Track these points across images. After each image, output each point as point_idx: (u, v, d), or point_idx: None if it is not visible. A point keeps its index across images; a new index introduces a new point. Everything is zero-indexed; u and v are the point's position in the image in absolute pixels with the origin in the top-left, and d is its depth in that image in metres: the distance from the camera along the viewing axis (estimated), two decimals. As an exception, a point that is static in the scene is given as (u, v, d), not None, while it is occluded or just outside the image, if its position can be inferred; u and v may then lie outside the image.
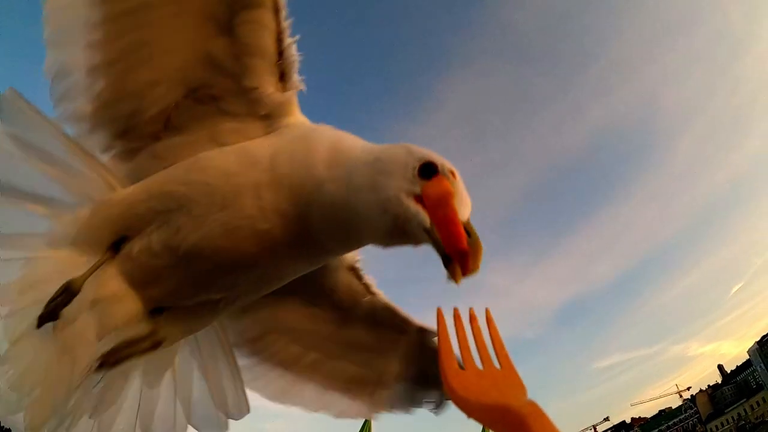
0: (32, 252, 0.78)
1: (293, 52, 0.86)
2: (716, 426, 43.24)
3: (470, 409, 0.65)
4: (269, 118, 0.88)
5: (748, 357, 43.97)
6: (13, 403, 0.71)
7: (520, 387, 0.67)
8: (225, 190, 0.79)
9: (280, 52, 0.85)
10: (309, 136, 0.84)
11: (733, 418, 41.72)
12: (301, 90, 0.90)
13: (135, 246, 0.82)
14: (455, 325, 0.75)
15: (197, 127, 0.89)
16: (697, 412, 46.48)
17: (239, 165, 0.81)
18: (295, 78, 0.88)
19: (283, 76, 0.87)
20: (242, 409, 1.04)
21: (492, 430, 0.62)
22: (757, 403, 39.81)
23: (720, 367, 50.81)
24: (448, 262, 0.66)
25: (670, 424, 49.29)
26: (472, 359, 0.70)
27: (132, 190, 0.86)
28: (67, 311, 0.73)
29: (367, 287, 1.10)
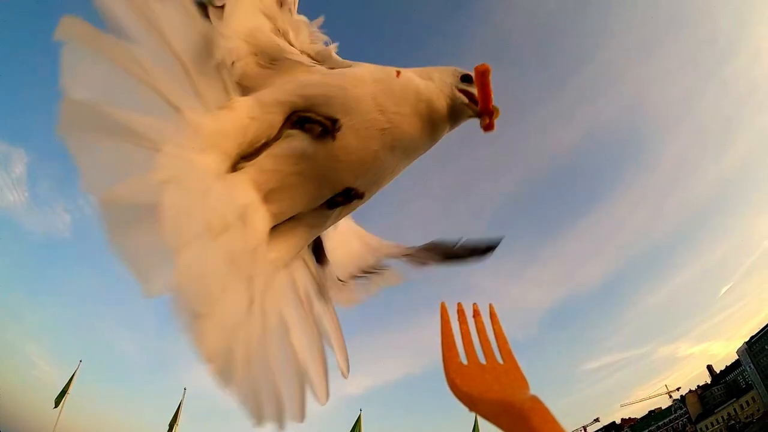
0: (168, 148, 0.72)
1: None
2: (706, 426, 43.65)
3: (473, 404, 0.65)
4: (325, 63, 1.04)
5: (737, 357, 44.48)
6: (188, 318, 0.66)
7: (523, 382, 0.67)
8: (349, 96, 0.90)
9: None
10: (379, 66, 1.02)
11: (723, 417, 42.15)
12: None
13: (273, 150, 0.87)
14: (459, 319, 0.75)
15: (281, 69, 0.98)
16: (686, 412, 46.90)
17: (350, 81, 0.93)
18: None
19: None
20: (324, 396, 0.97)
21: (494, 424, 0.62)
22: (747, 402, 40.28)
23: (709, 368, 51.36)
24: (481, 117, 0.96)
25: (659, 424, 49.70)
26: (475, 354, 0.71)
27: (267, 93, 0.91)
28: (217, 216, 0.72)
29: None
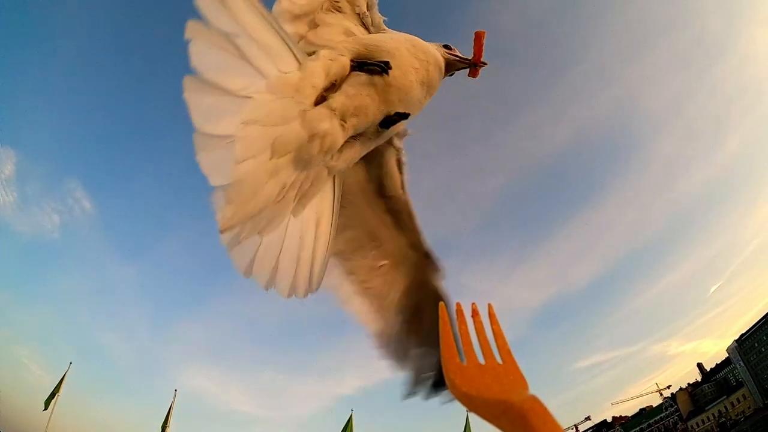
0: (256, 93, 1.03)
1: None
2: (697, 423, 44.04)
3: (472, 404, 0.65)
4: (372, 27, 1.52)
5: (727, 355, 44.95)
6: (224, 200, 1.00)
7: (522, 382, 0.67)
8: (392, 47, 1.32)
9: None
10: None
11: (714, 415, 42.55)
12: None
13: (350, 81, 1.23)
14: (458, 319, 0.75)
15: (333, 24, 1.43)
16: (677, 410, 47.28)
17: (391, 38, 1.38)
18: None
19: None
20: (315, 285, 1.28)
21: (494, 425, 0.62)
22: (738, 400, 40.67)
23: (699, 366, 51.86)
24: (471, 67, 1.48)
25: (651, 422, 50.05)
26: (474, 353, 0.70)
27: (338, 45, 1.29)
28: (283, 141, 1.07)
29: (403, 183, 1.52)
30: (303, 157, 1.11)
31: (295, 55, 1.12)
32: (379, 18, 1.50)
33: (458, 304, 0.77)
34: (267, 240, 1.15)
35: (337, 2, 1.44)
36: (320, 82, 1.15)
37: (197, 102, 0.94)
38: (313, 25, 1.41)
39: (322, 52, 1.20)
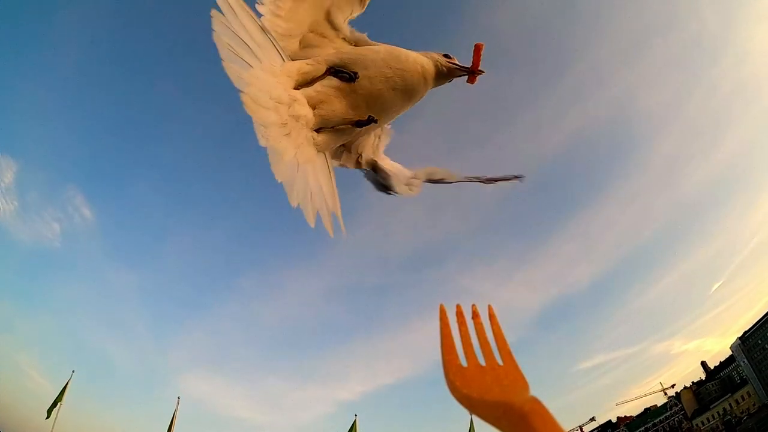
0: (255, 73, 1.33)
1: None
2: (702, 422, 43.86)
3: (472, 406, 0.64)
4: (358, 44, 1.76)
5: (731, 353, 44.80)
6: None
7: (523, 383, 0.66)
8: (368, 59, 1.54)
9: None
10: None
11: (718, 413, 42.38)
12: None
13: (320, 82, 1.50)
14: (458, 321, 0.74)
15: (324, 45, 1.70)
16: (682, 409, 47.09)
17: (370, 50, 1.60)
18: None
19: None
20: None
21: (495, 427, 0.62)
22: (742, 397, 40.54)
23: (703, 364, 51.70)
24: (470, 75, 1.66)
25: (655, 421, 49.85)
26: (475, 355, 0.70)
27: (319, 54, 1.59)
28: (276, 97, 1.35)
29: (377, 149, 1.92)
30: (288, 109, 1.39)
31: (280, 55, 1.45)
32: (360, 35, 1.73)
33: (458, 306, 0.76)
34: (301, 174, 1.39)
35: (321, 30, 1.70)
36: (295, 75, 1.45)
37: (223, 40, 1.28)
38: (305, 44, 1.68)
39: (303, 57, 1.56)
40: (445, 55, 1.65)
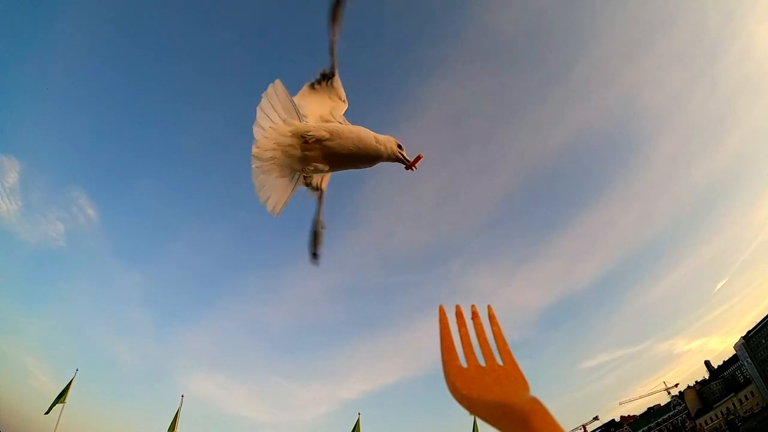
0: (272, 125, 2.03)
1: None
2: (705, 421, 43.76)
3: (472, 407, 0.64)
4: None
5: (734, 352, 44.70)
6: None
7: (523, 383, 0.66)
8: (342, 133, 2.12)
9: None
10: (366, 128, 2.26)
11: (722, 412, 42.28)
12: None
13: (313, 145, 2.08)
14: (457, 321, 0.74)
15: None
16: (685, 408, 47.01)
17: (345, 128, 2.16)
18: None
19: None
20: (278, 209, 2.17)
21: (495, 427, 0.61)
22: (746, 396, 40.47)
23: (707, 363, 51.56)
24: (408, 167, 2.25)
25: (659, 421, 49.77)
26: (475, 356, 0.69)
27: (308, 125, 2.13)
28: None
29: (320, 185, 2.44)
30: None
31: (298, 116, 2.12)
32: (343, 119, 2.34)
33: (458, 307, 0.76)
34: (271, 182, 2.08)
35: (326, 118, 2.29)
36: (302, 130, 2.08)
37: (261, 112, 2.02)
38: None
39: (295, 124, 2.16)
40: (399, 146, 2.23)
